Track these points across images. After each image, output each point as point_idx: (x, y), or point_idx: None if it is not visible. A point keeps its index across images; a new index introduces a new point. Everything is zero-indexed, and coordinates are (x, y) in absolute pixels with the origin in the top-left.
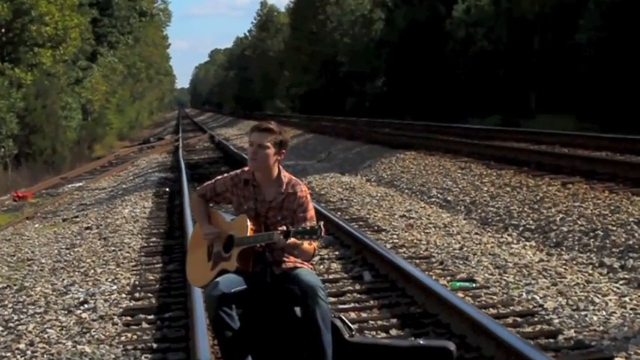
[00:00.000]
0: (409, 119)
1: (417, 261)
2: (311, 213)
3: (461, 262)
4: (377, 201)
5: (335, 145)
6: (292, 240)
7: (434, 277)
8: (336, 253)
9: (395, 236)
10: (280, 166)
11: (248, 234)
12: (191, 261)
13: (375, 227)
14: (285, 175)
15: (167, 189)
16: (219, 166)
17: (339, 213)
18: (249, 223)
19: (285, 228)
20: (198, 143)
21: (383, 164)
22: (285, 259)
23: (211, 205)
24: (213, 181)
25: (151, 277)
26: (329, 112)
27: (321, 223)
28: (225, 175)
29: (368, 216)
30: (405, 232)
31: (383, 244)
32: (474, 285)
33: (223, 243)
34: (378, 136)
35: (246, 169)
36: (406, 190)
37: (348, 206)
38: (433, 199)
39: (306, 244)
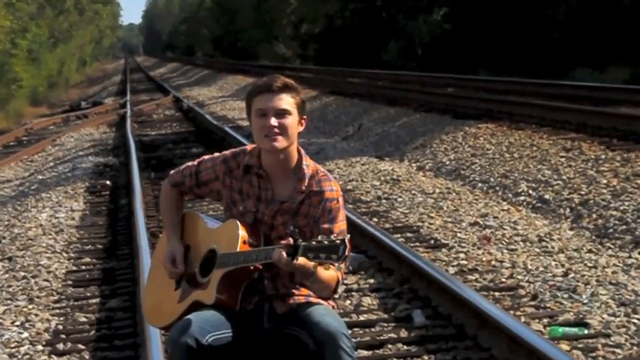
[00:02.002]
0: (484, 73)
1: (497, 294)
2: (341, 226)
3: (565, 295)
4: (434, 200)
5: (369, 114)
6: (302, 260)
7: (523, 320)
8: (371, 281)
9: (462, 255)
10: (301, 149)
11: (238, 249)
12: (152, 288)
13: (432, 241)
14: (309, 164)
15: (108, 182)
16: (188, 146)
17: (375, 219)
18: (241, 231)
19: (291, 241)
20: (156, 110)
21: (444, 143)
22: (293, 290)
23: (189, 198)
24: (195, 163)
25: (83, 319)
26: (359, 63)
27: (347, 237)
28: (216, 155)
29: (420, 224)
30: (479, 248)
31: (443, 268)
32: (585, 332)
33: (201, 260)
34: (435, 99)
35: (247, 148)
36: (480, 184)
37: (389, 209)
38: (522, 198)
39: (323, 271)
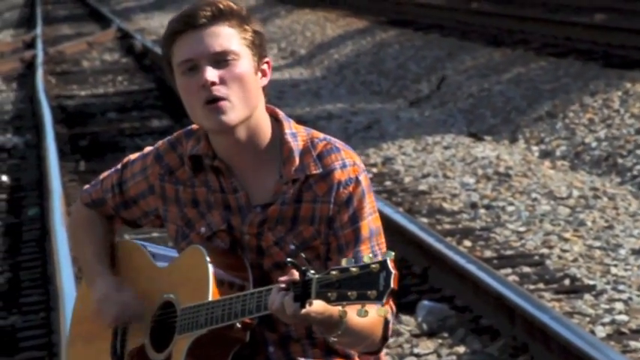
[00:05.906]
0: None
1: None
2: (370, 223)
3: None
4: (571, 210)
5: (457, 60)
6: (318, 306)
7: None
8: (461, 349)
9: (620, 306)
10: (279, 111)
11: (210, 297)
12: None
13: (566, 281)
14: (298, 132)
15: (4, 178)
16: (144, 116)
17: (467, 243)
18: (210, 264)
19: (295, 274)
20: (88, 54)
21: (588, 111)
22: (312, 353)
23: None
24: (119, 166)
25: None
26: None
27: (390, 255)
28: (147, 150)
29: (546, 251)
30: None
31: (587, 328)
32: None
33: (151, 323)
34: (574, 34)
35: (194, 128)
36: None
37: (492, 225)
38: None
39: (355, 316)
